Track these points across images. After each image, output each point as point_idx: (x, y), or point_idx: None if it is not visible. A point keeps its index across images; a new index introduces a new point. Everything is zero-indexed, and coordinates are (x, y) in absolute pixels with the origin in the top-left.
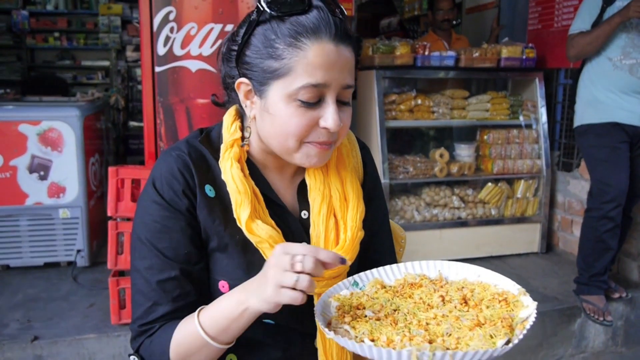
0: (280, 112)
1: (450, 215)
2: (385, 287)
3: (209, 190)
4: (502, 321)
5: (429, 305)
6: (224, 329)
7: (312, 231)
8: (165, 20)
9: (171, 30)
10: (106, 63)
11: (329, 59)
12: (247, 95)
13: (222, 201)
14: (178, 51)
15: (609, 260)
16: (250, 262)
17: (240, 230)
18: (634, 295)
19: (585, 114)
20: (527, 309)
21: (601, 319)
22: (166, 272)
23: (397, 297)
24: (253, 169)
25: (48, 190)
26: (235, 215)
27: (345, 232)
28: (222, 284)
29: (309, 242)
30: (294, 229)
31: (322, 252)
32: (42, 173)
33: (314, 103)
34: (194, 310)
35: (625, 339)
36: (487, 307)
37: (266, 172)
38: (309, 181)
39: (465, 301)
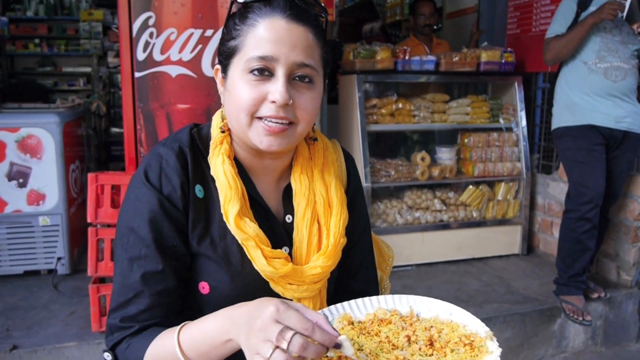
0: (235, 87)
1: (432, 218)
2: (352, 324)
3: (199, 191)
4: None
5: (393, 345)
6: (203, 354)
7: (295, 235)
8: (144, 26)
9: (150, 35)
10: (88, 69)
11: (277, 33)
12: (222, 82)
13: (209, 202)
14: (158, 56)
15: (587, 261)
16: (232, 264)
17: (223, 232)
18: (613, 295)
19: (562, 117)
20: (491, 356)
21: (580, 319)
22: (153, 264)
23: (363, 334)
24: (240, 169)
25: (27, 197)
26: (222, 211)
27: (328, 237)
28: (202, 285)
29: (291, 246)
30: (277, 232)
31: (318, 333)
32: (21, 180)
33: (264, 77)
34: (173, 309)
35: (604, 338)
36: (452, 350)
37: (252, 175)
38: (294, 186)
39: (431, 343)
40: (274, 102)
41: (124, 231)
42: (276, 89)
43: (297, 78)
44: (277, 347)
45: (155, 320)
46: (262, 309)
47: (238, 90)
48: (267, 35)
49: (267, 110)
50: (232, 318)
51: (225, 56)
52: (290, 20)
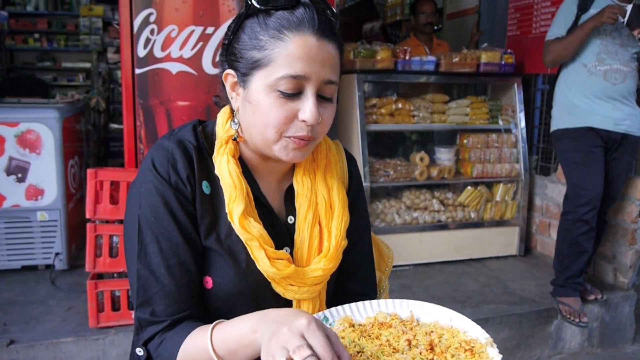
0: (261, 102)
1: (431, 218)
2: (353, 326)
3: (206, 187)
4: None
5: (394, 348)
6: (233, 352)
7: (297, 237)
8: (145, 22)
9: (151, 32)
10: (87, 65)
11: (309, 51)
12: (233, 87)
13: (215, 199)
14: (158, 53)
15: (585, 263)
16: (237, 261)
17: (229, 230)
18: (609, 297)
19: (561, 118)
20: None
21: (577, 320)
22: (176, 256)
23: (364, 337)
24: (244, 169)
25: (26, 192)
26: (227, 210)
27: (330, 240)
28: (206, 280)
29: (292, 247)
30: (279, 233)
31: None
32: (19, 175)
33: (294, 95)
34: (198, 299)
35: (600, 340)
36: (452, 355)
37: (255, 175)
38: (296, 187)
39: (431, 347)
40: (304, 121)
41: (141, 225)
42: (308, 108)
43: (322, 95)
44: (290, 358)
45: (184, 312)
46: (296, 317)
47: (265, 106)
48: (298, 53)
49: (296, 129)
50: (264, 318)
51: (247, 66)
52: (320, 37)
